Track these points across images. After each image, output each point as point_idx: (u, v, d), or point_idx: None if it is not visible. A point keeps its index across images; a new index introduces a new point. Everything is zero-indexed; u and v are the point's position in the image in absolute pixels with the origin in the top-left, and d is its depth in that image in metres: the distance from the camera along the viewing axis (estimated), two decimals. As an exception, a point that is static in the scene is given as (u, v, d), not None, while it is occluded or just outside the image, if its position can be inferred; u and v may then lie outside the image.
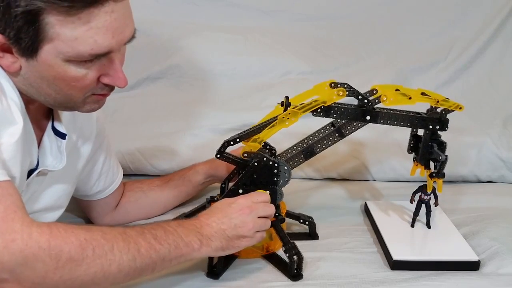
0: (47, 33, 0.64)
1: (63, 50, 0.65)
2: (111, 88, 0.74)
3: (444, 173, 0.95)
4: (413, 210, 1.02)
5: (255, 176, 0.90)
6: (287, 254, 0.88)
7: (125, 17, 0.68)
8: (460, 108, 0.92)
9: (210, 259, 0.89)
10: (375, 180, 1.30)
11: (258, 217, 0.84)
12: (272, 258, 0.94)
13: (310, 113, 0.89)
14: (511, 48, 1.55)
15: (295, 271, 0.88)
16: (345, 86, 0.91)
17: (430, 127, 0.94)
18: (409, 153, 1.03)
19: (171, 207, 1.09)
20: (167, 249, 0.72)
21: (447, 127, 0.94)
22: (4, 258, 0.58)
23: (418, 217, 1.02)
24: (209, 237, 0.77)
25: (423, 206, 1.01)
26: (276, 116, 0.90)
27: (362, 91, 0.93)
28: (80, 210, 1.05)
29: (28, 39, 0.64)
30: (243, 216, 0.81)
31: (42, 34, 0.64)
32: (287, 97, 0.93)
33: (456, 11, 1.58)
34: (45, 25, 0.63)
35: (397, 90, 0.93)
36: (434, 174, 0.95)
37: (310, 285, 0.86)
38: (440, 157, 0.93)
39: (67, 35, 0.64)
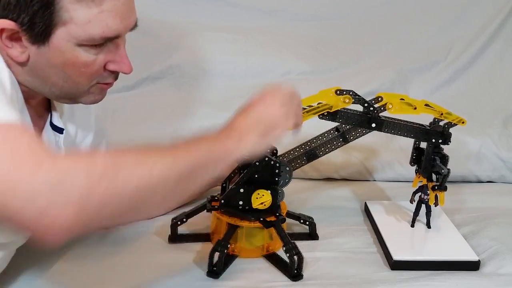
0: (61, 17, 0.65)
1: (75, 34, 0.66)
2: (115, 76, 0.76)
3: (446, 186, 0.96)
4: (413, 210, 1.02)
5: (256, 175, 0.91)
6: (288, 254, 0.88)
7: (130, 3, 0.71)
8: (463, 122, 0.94)
9: (211, 258, 0.89)
10: (375, 180, 1.31)
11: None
12: (272, 258, 0.94)
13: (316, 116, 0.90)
14: (511, 48, 1.55)
15: (295, 271, 0.88)
16: (351, 93, 0.91)
17: (433, 140, 0.95)
18: (412, 165, 1.04)
19: (171, 209, 1.09)
20: (204, 151, 0.67)
21: (450, 141, 0.95)
22: (35, 185, 0.52)
23: (418, 217, 1.02)
24: (242, 132, 0.72)
25: (423, 206, 1.01)
26: None
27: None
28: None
29: (42, 24, 0.65)
30: (267, 106, 0.76)
31: (56, 18, 0.65)
32: None
33: (456, 11, 1.58)
34: (60, 9, 0.64)
35: (401, 99, 0.94)
36: (436, 187, 0.96)
37: (310, 285, 0.86)
38: (443, 171, 0.94)
39: (80, 18, 0.65)
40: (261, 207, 0.91)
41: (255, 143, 0.73)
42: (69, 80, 0.71)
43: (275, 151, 0.97)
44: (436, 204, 0.99)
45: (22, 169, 0.53)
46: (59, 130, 0.80)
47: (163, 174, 0.61)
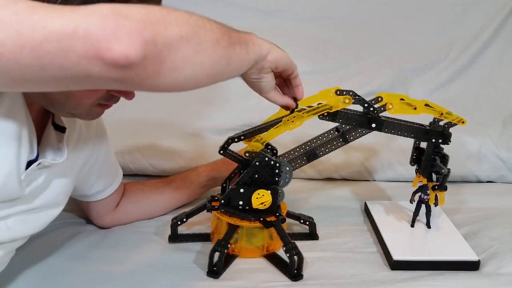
0: None
1: None
2: (117, 99, 0.75)
3: (446, 186, 0.96)
4: (413, 210, 1.02)
5: (256, 175, 0.91)
6: (288, 254, 0.88)
7: None
8: (463, 122, 0.94)
9: (211, 258, 0.89)
10: (375, 180, 1.31)
11: None
12: (272, 258, 0.94)
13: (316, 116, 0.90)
14: (511, 48, 1.55)
15: (295, 271, 0.88)
16: (351, 93, 0.91)
17: (433, 140, 0.95)
18: (412, 165, 1.04)
19: (172, 209, 1.10)
20: (229, 29, 0.67)
21: (450, 141, 0.95)
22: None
23: (418, 217, 1.02)
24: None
25: (423, 206, 1.01)
26: (281, 118, 0.90)
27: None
28: (81, 210, 1.05)
29: None
30: None
31: None
32: (295, 98, 0.93)
33: (456, 11, 1.58)
34: None
35: (401, 99, 0.94)
36: (436, 187, 0.96)
37: (310, 285, 0.86)
38: (443, 171, 0.94)
39: None
40: (261, 207, 0.92)
41: (271, 45, 0.79)
42: (71, 99, 0.70)
43: (275, 151, 0.98)
44: (436, 204, 0.99)
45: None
46: (62, 129, 0.80)
47: (204, 18, 0.62)
